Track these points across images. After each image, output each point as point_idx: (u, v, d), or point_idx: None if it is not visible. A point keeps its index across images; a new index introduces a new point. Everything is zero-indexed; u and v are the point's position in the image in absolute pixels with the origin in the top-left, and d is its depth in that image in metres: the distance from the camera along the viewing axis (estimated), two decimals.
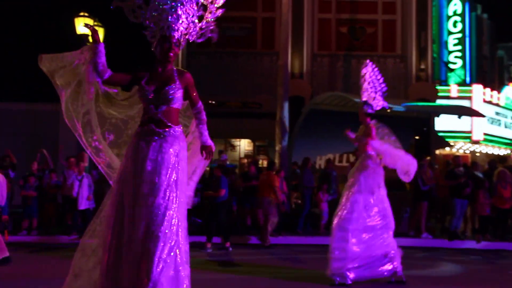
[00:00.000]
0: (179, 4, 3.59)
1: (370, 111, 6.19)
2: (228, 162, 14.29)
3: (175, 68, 3.67)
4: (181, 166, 3.50)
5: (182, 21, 3.61)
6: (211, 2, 3.71)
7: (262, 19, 16.78)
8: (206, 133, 3.70)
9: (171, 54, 3.59)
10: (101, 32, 13.32)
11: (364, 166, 6.06)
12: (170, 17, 3.59)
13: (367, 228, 5.96)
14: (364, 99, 6.29)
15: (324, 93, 14.53)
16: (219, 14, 3.71)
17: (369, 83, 6.29)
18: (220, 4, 3.71)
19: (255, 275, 6.57)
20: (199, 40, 3.72)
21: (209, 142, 3.70)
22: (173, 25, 3.60)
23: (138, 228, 3.30)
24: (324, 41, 16.82)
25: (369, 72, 6.32)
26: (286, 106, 13.67)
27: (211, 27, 3.70)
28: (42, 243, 9.90)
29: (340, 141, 13.27)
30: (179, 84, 3.60)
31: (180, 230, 3.38)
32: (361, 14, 16.73)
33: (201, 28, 3.70)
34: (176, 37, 3.60)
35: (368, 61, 6.45)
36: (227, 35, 16.62)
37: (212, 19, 3.71)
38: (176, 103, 3.60)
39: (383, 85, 6.33)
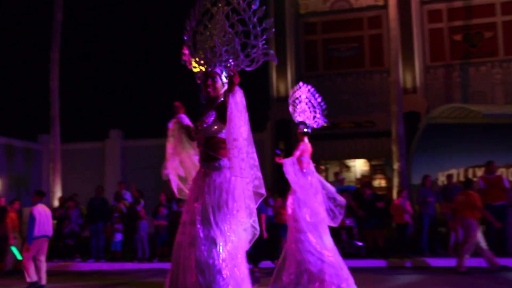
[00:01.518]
0: (215, 37, 3.56)
1: (306, 130, 6.30)
2: (345, 184, 14.15)
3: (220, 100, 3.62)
4: (225, 197, 3.42)
5: (221, 54, 3.56)
6: (253, 27, 3.52)
7: (369, 37, 16.59)
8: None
9: (210, 90, 3.58)
10: None
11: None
12: (207, 53, 3.61)
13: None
14: (300, 119, 6.33)
15: (441, 106, 13.86)
16: (268, 37, 3.50)
17: (306, 103, 6.35)
18: (267, 27, 3.51)
19: None
20: (251, 68, 3.55)
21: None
22: (212, 60, 3.58)
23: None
24: (437, 52, 16.10)
25: (305, 93, 6.34)
26: (401, 123, 13.30)
27: (263, 51, 3.52)
28: None
29: (464, 155, 12.57)
30: (213, 112, 3.58)
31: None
32: (476, 18, 15.81)
33: (247, 55, 3.55)
34: (217, 71, 3.58)
35: (300, 82, 6.42)
36: (335, 56, 16.69)
37: (261, 43, 3.52)
38: (214, 132, 3.53)
39: (322, 103, 6.41)
